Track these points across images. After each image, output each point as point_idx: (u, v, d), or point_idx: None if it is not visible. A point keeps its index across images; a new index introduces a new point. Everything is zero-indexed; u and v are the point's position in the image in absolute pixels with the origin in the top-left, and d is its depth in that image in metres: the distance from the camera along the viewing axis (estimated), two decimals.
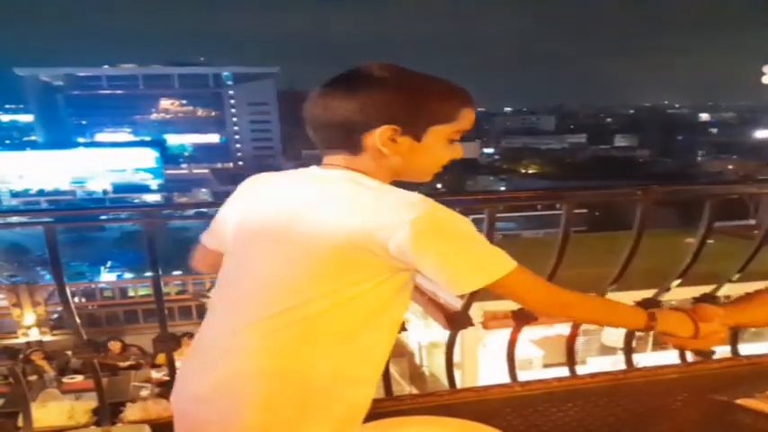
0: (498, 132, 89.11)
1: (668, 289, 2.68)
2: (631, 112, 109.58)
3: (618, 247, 2.55)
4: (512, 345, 2.64)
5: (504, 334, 2.66)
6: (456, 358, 8.14)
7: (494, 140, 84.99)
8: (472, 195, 3.70)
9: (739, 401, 1.53)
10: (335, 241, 1.23)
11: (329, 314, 1.25)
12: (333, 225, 1.24)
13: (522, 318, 2.57)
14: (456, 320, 2.52)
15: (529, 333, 8.31)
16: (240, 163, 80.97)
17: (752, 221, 10.50)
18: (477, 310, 7.25)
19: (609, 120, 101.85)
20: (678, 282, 2.63)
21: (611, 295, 2.65)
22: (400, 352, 10.70)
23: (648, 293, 2.72)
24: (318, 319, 1.25)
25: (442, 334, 2.61)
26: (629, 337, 2.89)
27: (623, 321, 1.51)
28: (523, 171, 71.08)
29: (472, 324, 2.55)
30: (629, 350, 2.83)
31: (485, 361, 8.05)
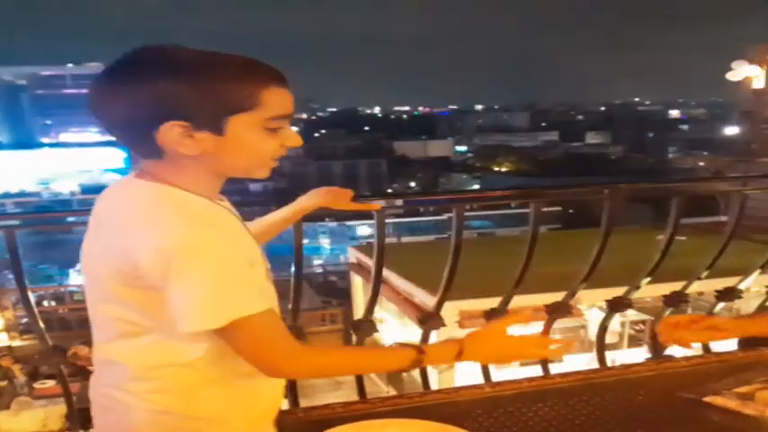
0: (471, 130, 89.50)
1: (638, 287, 2.70)
2: (603, 109, 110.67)
3: (591, 244, 2.57)
4: None
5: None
6: None
7: (466, 138, 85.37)
8: (442, 195, 3.70)
9: (707, 399, 1.54)
10: (111, 273, 1.13)
11: (153, 347, 1.18)
12: (107, 254, 1.14)
13: (494, 317, 2.58)
14: (428, 320, 2.52)
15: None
16: None
17: (723, 218, 10.66)
18: (452, 310, 7.33)
19: (580, 117, 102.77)
20: (648, 279, 2.66)
21: (582, 293, 2.67)
22: None
23: (620, 291, 2.75)
24: (146, 352, 1.18)
25: (418, 333, 2.61)
26: (602, 335, 2.92)
27: (388, 365, 1.42)
28: (497, 169, 71.50)
29: (444, 324, 2.55)
30: (601, 349, 2.85)
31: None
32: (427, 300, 7.69)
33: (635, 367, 1.80)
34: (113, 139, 1.17)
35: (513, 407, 1.56)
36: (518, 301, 2.64)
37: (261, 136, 1.17)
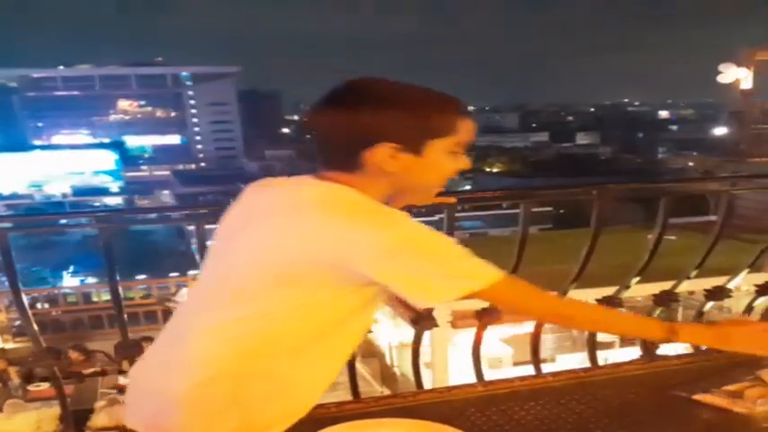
0: None
1: (628, 286, 2.72)
2: (592, 110, 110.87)
3: (581, 244, 2.60)
4: (476, 344, 2.66)
5: (474, 333, 2.69)
6: (427, 358, 8.23)
7: None
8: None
9: (697, 397, 1.56)
10: (296, 253, 1.23)
11: (286, 323, 1.26)
12: (297, 236, 1.23)
13: (486, 317, 2.60)
14: (420, 321, 2.54)
15: (498, 331, 8.36)
16: (202, 164, 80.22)
17: (713, 217, 10.71)
18: (445, 310, 7.36)
19: (570, 118, 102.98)
20: (637, 279, 2.68)
21: (574, 293, 2.69)
22: (371, 352, 10.73)
23: (611, 290, 2.77)
24: (274, 328, 1.26)
25: (412, 334, 2.63)
26: (592, 334, 2.94)
27: (636, 332, 1.52)
28: (489, 170, 71.50)
29: (436, 325, 2.57)
30: (592, 348, 2.87)
31: (455, 360, 8.10)
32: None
33: (626, 366, 1.81)
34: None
35: (505, 405, 1.58)
36: None
37: (448, 159, 1.34)
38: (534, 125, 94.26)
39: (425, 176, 1.36)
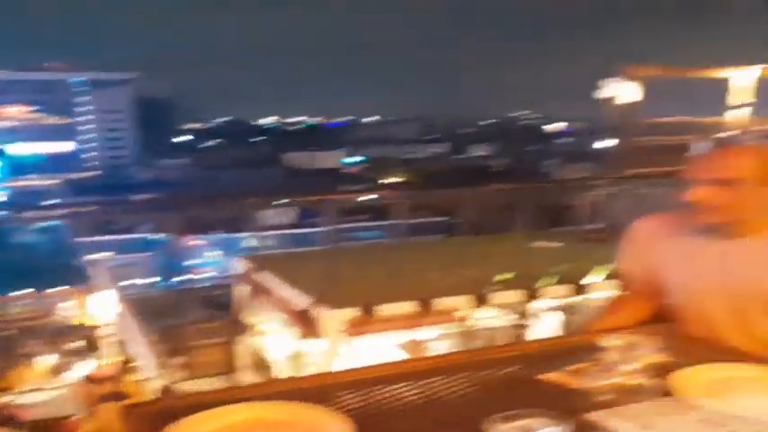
0: (363, 141, 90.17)
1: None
2: (490, 121, 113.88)
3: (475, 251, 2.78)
4: None
5: (368, 339, 2.83)
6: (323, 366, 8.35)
7: (359, 149, 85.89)
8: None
9: (540, 377, 1.74)
10: None
11: None
12: None
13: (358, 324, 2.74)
14: (303, 321, 2.66)
15: (395, 338, 8.54)
16: (99, 172, 77.36)
17: (601, 225, 11.25)
18: (338, 320, 7.43)
19: (468, 130, 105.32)
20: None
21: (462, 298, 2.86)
22: (263, 365, 10.69)
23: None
24: None
25: (304, 344, 2.73)
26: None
27: None
28: (392, 180, 72.05)
29: (317, 335, 2.69)
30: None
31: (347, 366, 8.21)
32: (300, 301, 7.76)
33: (488, 350, 1.99)
34: None
35: (369, 388, 1.68)
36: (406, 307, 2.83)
37: None
38: (431, 137, 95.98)
39: None
